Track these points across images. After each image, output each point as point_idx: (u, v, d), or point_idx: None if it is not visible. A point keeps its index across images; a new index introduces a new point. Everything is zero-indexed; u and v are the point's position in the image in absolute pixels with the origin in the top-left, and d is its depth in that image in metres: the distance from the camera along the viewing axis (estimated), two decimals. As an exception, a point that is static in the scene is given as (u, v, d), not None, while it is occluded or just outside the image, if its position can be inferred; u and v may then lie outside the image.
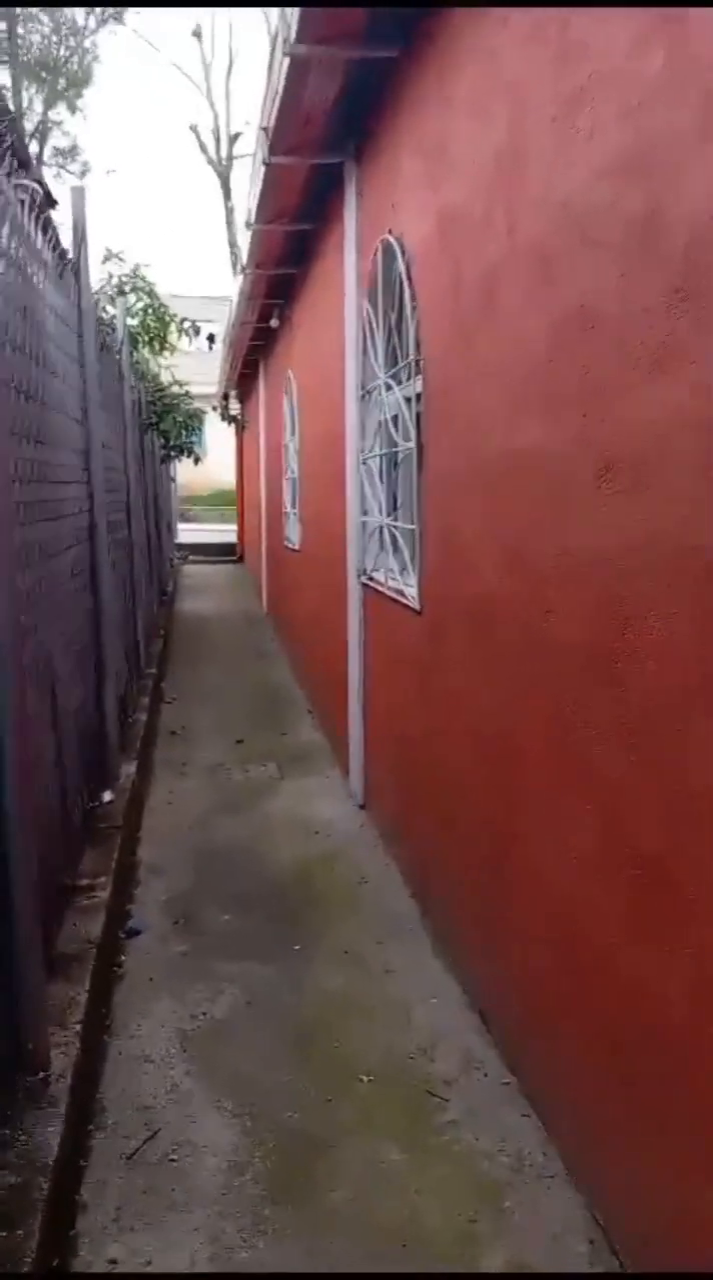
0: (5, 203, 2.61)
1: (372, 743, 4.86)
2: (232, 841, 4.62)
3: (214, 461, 21.78)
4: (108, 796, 4.30)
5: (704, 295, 1.70)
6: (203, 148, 30.43)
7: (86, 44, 22.49)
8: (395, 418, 4.16)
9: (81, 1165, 2.40)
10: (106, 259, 8.53)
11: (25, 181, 2.91)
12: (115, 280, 8.51)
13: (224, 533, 21.90)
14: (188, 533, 22.32)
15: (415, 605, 3.78)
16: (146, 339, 9.17)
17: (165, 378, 10.47)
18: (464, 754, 3.22)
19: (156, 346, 9.44)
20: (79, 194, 4.25)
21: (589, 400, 2.15)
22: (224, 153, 29.89)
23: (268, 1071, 2.82)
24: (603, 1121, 2.19)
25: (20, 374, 2.71)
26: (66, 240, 3.98)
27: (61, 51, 22.32)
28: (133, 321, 8.50)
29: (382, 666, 4.58)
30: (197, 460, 12.05)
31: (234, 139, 29.70)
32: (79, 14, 21.71)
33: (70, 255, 3.99)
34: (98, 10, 22.16)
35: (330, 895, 4.01)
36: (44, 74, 21.98)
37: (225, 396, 16.44)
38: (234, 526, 20.46)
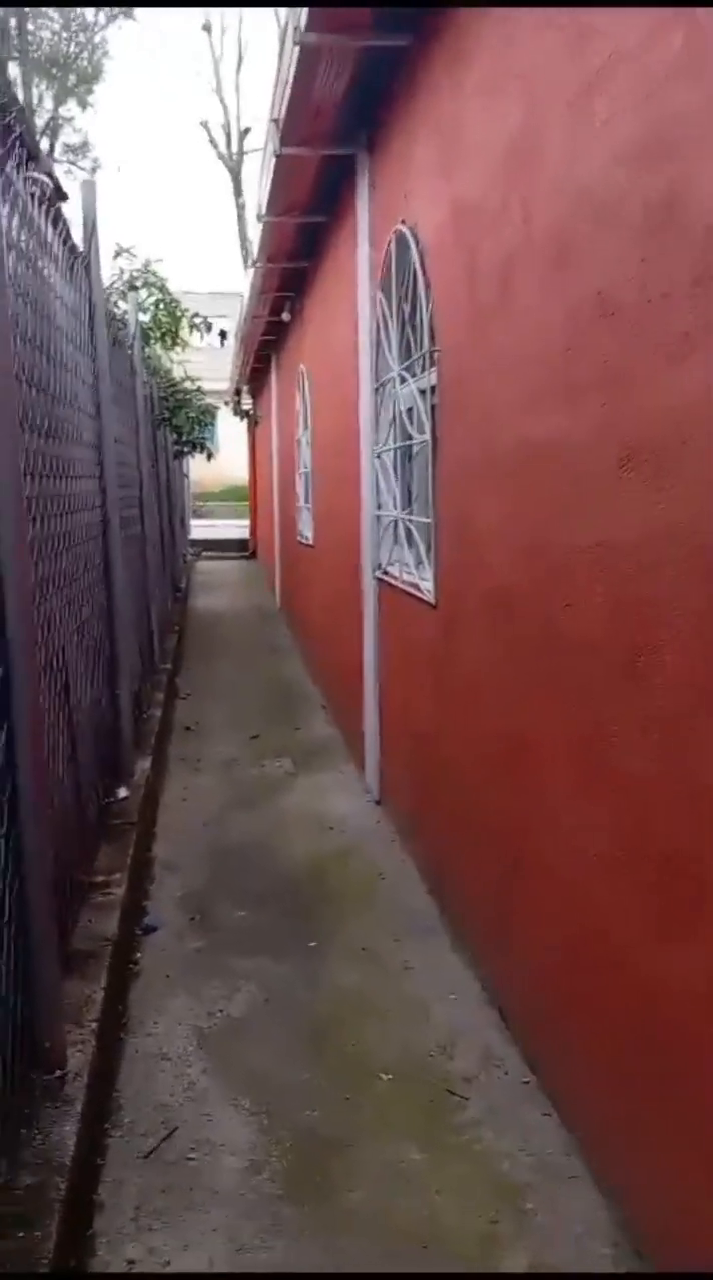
0: (15, 195, 2.59)
1: (387, 738, 4.83)
2: (246, 837, 4.61)
3: (227, 457, 21.85)
4: (123, 792, 4.29)
5: (728, 278, 1.66)
6: (213, 143, 30.53)
7: (97, 39, 22.45)
8: (410, 410, 4.13)
9: (99, 1164, 2.38)
10: (118, 254, 8.53)
11: (35, 174, 2.89)
12: (127, 276, 8.50)
13: (237, 528, 21.92)
14: (201, 529, 22.37)
15: (430, 599, 3.75)
16: (158, 334, 9.16)
17: (178, 373, 10.47)
18: (480, 748, 3.19)
19: (168, 342, 9.44)
20: (90, 187, 4.23)
21: (609, 388, 2.11)
22: (235, 148, 29.93)
23: (285, 1069, 2.80)
24: (627, 1120, 2.16)
25: (30, 366, 2.69)
26: (77, 235, 3.96)
27: (72, 48, 22.29)
28: (144, 316, 8.49)
29: (396, 661, 4.55)
30: (209, 456, 12.07)
31: (245, 134, 29.72)
32: (89, 10, 21.69)
33: (81, 249, 3.97)
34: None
35: (346, 891, 3.99)
36: (54, 70, 21.95)
37: (238, 391, 16.43)
38: (247, 522, 20.47)
